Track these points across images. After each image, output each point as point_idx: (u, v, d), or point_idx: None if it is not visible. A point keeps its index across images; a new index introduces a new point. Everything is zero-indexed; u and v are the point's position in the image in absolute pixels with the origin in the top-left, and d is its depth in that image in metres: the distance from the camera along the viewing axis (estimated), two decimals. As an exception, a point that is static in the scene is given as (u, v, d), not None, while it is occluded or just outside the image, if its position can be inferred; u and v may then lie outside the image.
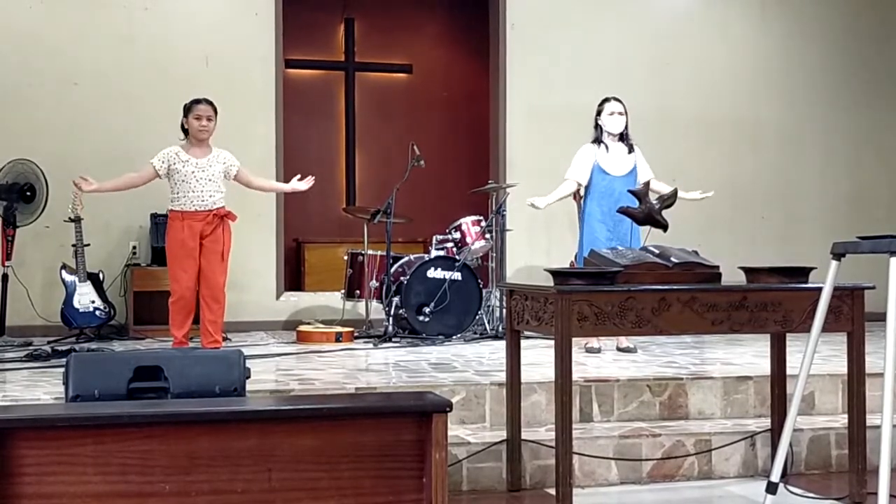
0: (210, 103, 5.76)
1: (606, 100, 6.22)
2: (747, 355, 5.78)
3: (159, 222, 6.98)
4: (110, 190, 5.94)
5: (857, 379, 3.92)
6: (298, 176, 6.08)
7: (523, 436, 4.14)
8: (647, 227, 4.44)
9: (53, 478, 2.83)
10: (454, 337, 6.85)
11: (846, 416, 4.02)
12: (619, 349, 6.08)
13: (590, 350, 6.04)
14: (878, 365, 3.78)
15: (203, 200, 5.65)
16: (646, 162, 6.25)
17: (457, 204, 8.58)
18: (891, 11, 9.14)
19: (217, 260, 5.68)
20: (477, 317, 7.06)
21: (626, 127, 6.19)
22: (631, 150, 6.19)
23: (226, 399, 3.36)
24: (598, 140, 6.19)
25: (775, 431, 4.30)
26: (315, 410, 3.09)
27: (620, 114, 6.15)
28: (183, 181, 5.64)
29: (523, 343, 4.27)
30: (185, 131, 5.78)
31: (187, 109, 5.75)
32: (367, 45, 10.48)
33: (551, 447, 3.88)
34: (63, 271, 6.98)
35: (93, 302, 6.94)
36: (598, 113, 6.21)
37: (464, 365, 5.42)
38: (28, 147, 7.09)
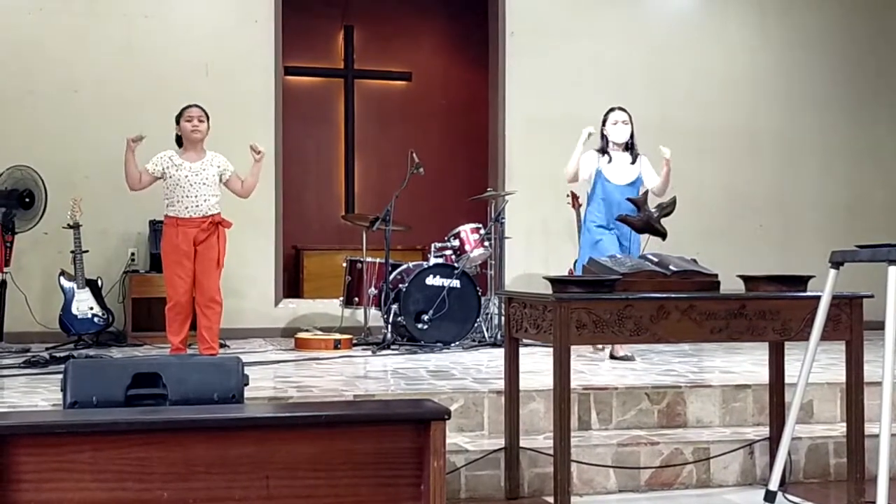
0: (200, 107, 5.77)
1: (612, 109, 6.20)
2: (746, 363, 5.77)
3: (157, 229, 6.98)
4: (130, 165, 5.64)
5: (855, 387, 3.91)
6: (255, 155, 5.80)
7: (521, 444, 4.14)
8: (646, 235, 4.44)
9: (51, 485, 2.82)
10: (453, 344, 6.84)
11: (844, 424, 4.02)
12: (612, 357, 6.05)
13: (624, 358, 5.96)
14: (877, 373, 3.78)
15: (198, 206, 5.65)
16: (652, 169, 6.20)
17: (456, 211, 8.59)
18: (888, 21, 9.16)
19: (211, 266, 5.67)
20: (475, 324, 7.05)
21: (632, 136, 6.16)
22: (635, 160, 6.16)
23: (224, 406, 3.36)
24: (602, 150, 6.17)
25: (774, 440, 4.30)
26: (313, 418, 3.09)
27: (625, 123, 6.12)
28: (177, 185, 5.65)
29: (522, 351, 4.27)
30: (179, 141, 5.79)
31: (178, 116, 5.77)
32: (367, 52, 10.49)
33: (549, 455, 3.87)
34: (61, 278, 6.98)
35: (91, 308, 6.94)
36: (604, 122, 6.19)
37: (462, 372, 5.42)
38: (27, 154, 7.10)
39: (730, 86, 8.78)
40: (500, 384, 4.39)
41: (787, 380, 4.31)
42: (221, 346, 6.23)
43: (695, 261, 4.10)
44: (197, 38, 7.80)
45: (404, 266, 7.23)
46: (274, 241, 7.95)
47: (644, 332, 3.68)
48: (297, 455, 2.98)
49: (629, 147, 6.17)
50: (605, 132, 6.18)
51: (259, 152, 5.80)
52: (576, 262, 6.50)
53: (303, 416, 3.12)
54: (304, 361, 6.08)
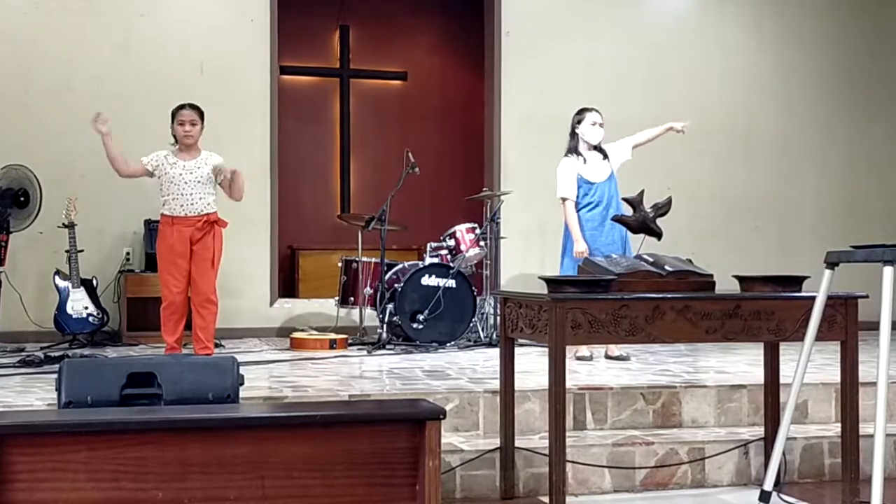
0: (194, 108, 5.76)
1: (587, 110, 6.15)
2: (741, 364, 5.78)
3: (153, 228, 6.97)
4: (109, 150, 5.65)
5: (850, 388, 3.92)
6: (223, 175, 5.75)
7: (517, 443, 4.14)
8: (642, 236, 4.44)
9: (46, 484, 2.82)
10: (448, 344, 6.85)
11: (839, 424, 4.02)
12: (608, 357, 6.06)
13: (581, 359, 6.01)
14: (872, 374, 3.80)
15: (192, 204, 5.65)
16: (619, 141, 6.23)
17: (451, 211, 8.59)
18: (885, 23, 9.17)
19: (206, 266, 5.66)
20: (471, 324, 7.05)
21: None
22: (605, 156, 6.16)
23: (219, 406, 3.35)
24: (574, 150, 6.14)
25: (768, 440, 4.30)
26: (308, 418, 3.09)
27: (601, 125, 6.12)
28: (171, 183, 5.65)
29: (517, 350, 4.27)
30: (175, 137, 5.81)
31: (173, 115, 5.77)
32: (362, 52, 10.49)
33: (545, 455, 3.87)
34: (56, 277, 6.97)
35: (86, 308, 6.93)
36: (578, 122, 6.14)
37: (458, 372, 5.42)
38: (23, 152, 7.08)
39: (726, 86, 8.78)
40: (496, 384, 4.39)
41: (782, 380, 4.32)
42: (217, 345, 6.22)
43: (690, 261, 4.11)
44: (192, 36, 7.79)
45: (400, 266, 7.24)
46: (269, 240, 7.94)
47: (639, 332, 3.68)
48: (292, 455, 2.98)
49: (596, 147, 6.16)
50: (578, 132, 6.14)
51: (232, 173, 5.70)
52: (561, 262, 6.48)
53: (298, 416, 3.12)
54: (299, 361, 6.07)
